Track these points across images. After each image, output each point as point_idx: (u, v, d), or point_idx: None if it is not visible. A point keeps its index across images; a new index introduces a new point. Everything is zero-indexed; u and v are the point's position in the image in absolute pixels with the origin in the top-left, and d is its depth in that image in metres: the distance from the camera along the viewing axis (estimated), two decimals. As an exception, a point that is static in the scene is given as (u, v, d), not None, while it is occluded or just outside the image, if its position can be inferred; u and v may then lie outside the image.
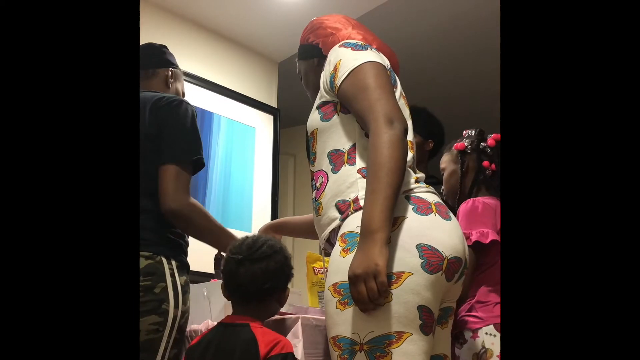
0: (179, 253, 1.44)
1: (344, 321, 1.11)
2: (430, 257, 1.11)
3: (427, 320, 1.10)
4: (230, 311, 1.36)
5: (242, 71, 3.30)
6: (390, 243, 1.10)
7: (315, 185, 1.32)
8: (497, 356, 1.57)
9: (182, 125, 1.46)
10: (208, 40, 3.17)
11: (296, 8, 2.99)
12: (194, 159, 1.46)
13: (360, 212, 1.14)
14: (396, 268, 1.10)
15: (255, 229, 2.66)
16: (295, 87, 2.03)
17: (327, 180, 1.27)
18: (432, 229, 1.15)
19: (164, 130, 1.44)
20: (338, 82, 1.26)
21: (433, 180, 1.62)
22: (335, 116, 1.29)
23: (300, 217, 1.85)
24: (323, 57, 1.42)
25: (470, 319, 1.64)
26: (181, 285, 1.39)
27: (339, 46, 1.33)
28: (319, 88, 1.35)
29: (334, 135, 1.29)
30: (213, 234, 1.54)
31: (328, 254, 1.23)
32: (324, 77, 1.32)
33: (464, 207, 1.74)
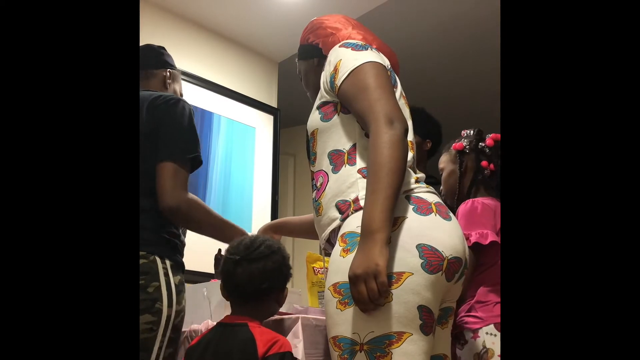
0: (174, 253, 1.44)
1: (344, 321, 1.11)
2: (430, 257, 1.11)
3: (427, 320, 1.10)
4: (230, 311, 1.36)
5: (242, 71, 3.30)
6: (391, 243, 1.10)
7: (316, 186, 1.32)
8: (498, 356, 1.57)
9: (179, 124, 1.46)
10: (208, 40, 3.17)
11: (296, 8, 2.99)
12: (191, 156, 1.46)
13: (360, 212, 1.14)
14: (396, 268, 1.10)
15: (255, 229, 2.66)
16: (295, 87, 2.04)
17: (328, 181, 1.27)
18: (432, 229, 1.15)
19: (161, 128, 1.44)
20: (338, 82, 1.26)
21: (432, 180, 1.62)
22: (336, 116, 1.29)
23: (300, 218, 1.85)
24: (323, 57, 1.42)
25: (470, 319, 1.64)
26: (175, 284, 1.39)
27: (339, 46, 1.33)
28: (319, 88, 1.36)
29: (334, 136, 1.29)
30: (214, 227, 1.54)
31: (328, 254, 1.24)
32: (324, 77, 1.32)
33: (463, 207, 1.74)
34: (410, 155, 1.26)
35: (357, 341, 1.09)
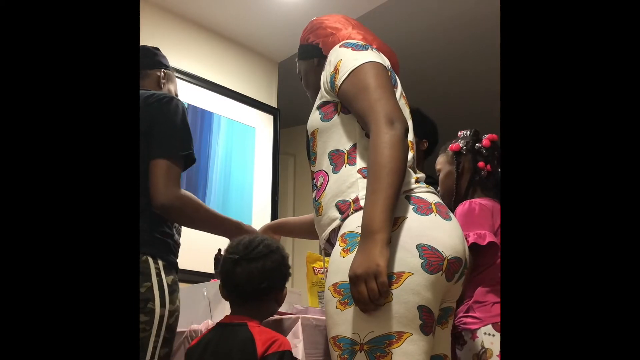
0: (167, 253, 1.44)
1: (344, 321, 1.10)
2: (430, 257, 1.11)
3: (427, 320, 1.10)
4: (230, 311, 1.36)
5: (242, 71, 3.30)
6: (391, 243, 1.10)
7: (316, 185, 1.32)
8: (497, 356, 1.57)
9: (172, 122, 1.46)
10: (208, 40, 3.17)
11: (296, 8, 2.99)
12: (184, 153, 1.46)
13: (360, 212, 1.14)
14: (396, 268, 1.10)
15: (255, 228, 2.66)
16: (295, 87, 2.04)
17: (328, 181, 1.27)
18: (432, 229, 1.15)
19: (155, 127, 1.44)
20: (338, 82, 1.26)
21: (429, 180, 1.62)
22: (336, 116, 1.29)
23: (300, 218, 1.85)
24: (323, 57, 1.42)
25: (469, 319, 1.65)
26: (168, 284, 1.39)
27: (340, 46, 1.33)
28: (319, 88, 1.35)
29: (334, 136, 1.29)
30: (208, 223, 1.54)
31: (328, 254, 1.23)
32: (325, 77, 1.32)
33: (460, 208, 1.74)
34: (410, 155, 1.26)
35: (357, 341, 1.08)
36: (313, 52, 1.48)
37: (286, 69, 3.38)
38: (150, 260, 1.37)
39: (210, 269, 1.84)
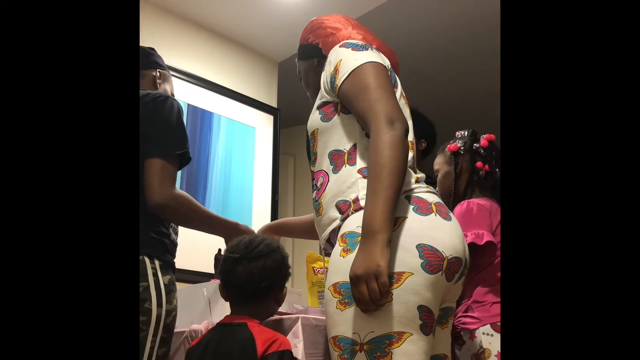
0: (163, 252, 1.43)
1: (344, 321, 1.10)
2: (430, 257, 1.11)
3: (427, 320, 1.10)
4: (230, 311, 1.36)
5: (242, 71, 3.30)
6: (391, 243, 1.10)
7: (316, 186, 1.32)
8: (495, 355, 1.57)
9: (167, 121, 1.46)
10: (208, 40, 3.17)
11: (296, 8, 2.99)
12: (179, 152, 1.46)
13: (360, 212, 1.14)
14: (396, 268, 1.10)
15: (255, 228, 2.64)
16: (295, 87, 2.04)
17: (328, 181, 1.27)
18: (433, 229, 1.15)
19: (149, 126, 1.43)
20: (339, 82, 1.26)
21: (429, 180, 1.62)
22: (336, 116, 1.29)
23: (300, 218, 1.85)
24: (323, 57, 1.42)
25: (468, 319, 1.65)
26: (164, 284, 1.39)
27: (340, 46, 1.33)
28: (319, 88, 1.35)
29: (334, 136, 1.29)
30: (203, 222, 1.54)
31: (328, 254, 1.23)
32: (325, 77, 1.32)
33: (458, 208, 1.74)
34: (410, 155, 1.26)
35: (357, 341, 1.08)
36: (313, 52, 1.48)
37: (286, 69, 3.38)
38: (147, 260, 1.37)
39: (210, 269, 1.83)
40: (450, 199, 1.85)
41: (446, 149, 1.92)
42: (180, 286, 1.49)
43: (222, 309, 1.57)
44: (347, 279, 1.08)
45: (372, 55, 1.28)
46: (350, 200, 1.21)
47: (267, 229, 1.82)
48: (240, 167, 3.12)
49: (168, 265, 1.43)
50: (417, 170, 1.30)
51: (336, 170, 1.26)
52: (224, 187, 3.02)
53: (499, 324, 1.59)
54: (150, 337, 1.33)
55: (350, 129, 1.27)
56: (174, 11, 3.02)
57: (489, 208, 1.72)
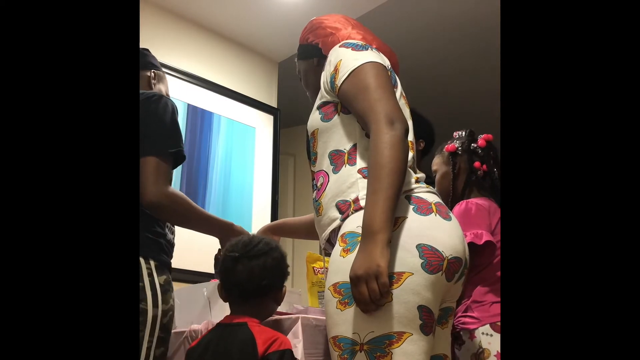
0: (158, 253, 1.43)
1: (344, 321, 1.11)
2: (430, 257, 1.11)
3: (427, 320, 1.10)
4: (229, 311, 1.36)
5: (242, 71, 3.30)
6: (391, 243, 1.10)
7: (316, 186, 1.32)
8: (495, 355, 1.58)
9: (161, 120, 1.46)
10: (208, 40, 3.17)
11: (296, 8, 2.99)
12: (173, 151, 1.45)
13: (360, 212, 1.14)
14: (396, 268, 1.10)
15: (255, 229, 2.66)
16: (295, 87, 2.04)
17: (328, 181, 1.27)
18: (432, 229, 1.15)
19: (143, 125, 1.43)
20: (339, 82, 1.26)
21: (428, 180, 1.62)
22: (336, 116, 1.29)
23: (299, 218, 1.85)
24: (323, 57, 1.42)
25: (467, 319, 1.65)
26: (160, 284, 1.39)
27: (340, 46, 1.33)
28: (318, 88, 1.36)
29: (334, 136, 1.29)
30: (197, 221, 1.53)
31: (328, 254, 1.24)
32: (325, 77, 1.32)
33: (457, 209, 1.74)
34: (410, 155, 1.26)
35: (357, 341, 1.08)
36: (313, 52, 1.48)
37: (286, 69, 3.38)
38: (142, 260, 1.37)
39: (210, 269, 1.83)
40: (449, 199, 1.85)
41: (444, 150, 1.92)
42: (180, 286, 1.49)
43: (222, 309, 1.57)
44: (347, 279, 1.08)
45: (372, 55, 1.28)
46: (350, 200, 1.21)
47: (266, 230, 1.82)
48: (240, 167, 3.12)
49: (164, 265, 1.43)
50: (417, 170, 1.30)
51: (336, 170, 1.26)
52: (224, 187, 3.01)
53: (499, 323, 1.59)
54: (147, 338, 1.33)
55: (350, 129, 1.27)
56: (174, 11, 3.02)
57: (487, 208, 1.73)
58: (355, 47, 1.30)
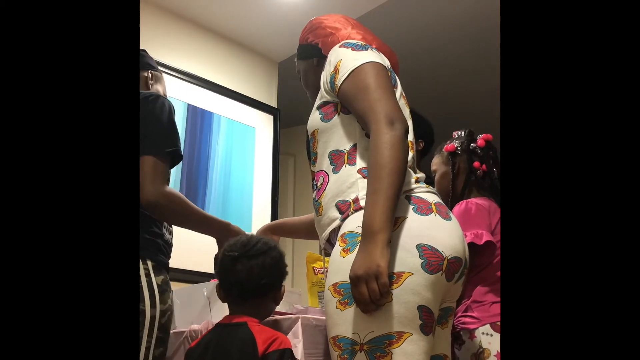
0: (156, 253, 1.43)
1: (344, 321, 1.10)
2: (430, 257, 1.11)
3: (427, 320, 1.10)
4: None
5: (242, 71, 3.30)
6: (391, 243, 1.10)
7: (316, 186, 1.32)
8: (495, 355, 1.58)
9: (158, 119, 1.45)
10: (208, 40, 3.17)
11: (296, 8, 2.99)
12: (170, 150, 1.45)
13: (360, 212, 1.14)
14: (396, 268, 1.10)
15: (255, 228, 2.66)
16: (295, 87, 2.04)
17: (328, 181, 1.27)
18: (432, 229, 1.15)
19: (140, 125, 1.43)
20: (338, 82, 1.26)
21: (428, 180, 1.63)
22: (336, 116, 1.29)
23: (299, 218, 1.85)
24: (322, 57, 1.42)
25: (467, 319, 1.65)
26: (158, 284, 1.39)
27: (339, 46, 1.33)
28: (318, 88, 1.36)
29: (334, 136, 1.29)
30: (194, 221, 1.53)
31: (328, 254, 1.23)
32: (324, 77, 1.32)
33: (457, 208, 1.74)
34: (410, 155, 1.26)
35: (357, 341, 1.08)
36: (312, 52, 1.48)
37: (286, 69, 3.38)
38: (139, 261, 1.37)
39: (210, 269, 1.83)
40: (448, 199, 1.85)
41: (443, 150, 1.92)
42: (180, 286, 1.49)
43: (222, 309, 1.57)
44: (347, 279, 1.08)
45: (372, 55, 1.28)
46: (350, 200, 1.21)
47: (266, 230, 1.82)
48: (240, 167, 3.12)
49: (161, 266, 1.43)
50: (417, 170, 1.30)
51: (336, 170, 1.26)
52: (224, 187, 3.01)
53: (499, 323, 1.60)
54: (145, 338, 1.33)
55: (350, 129, 1.27)
56: (174, 11, 3.02)
57: (487, 208, 1.73)
58: (355, 47, 1.30)
